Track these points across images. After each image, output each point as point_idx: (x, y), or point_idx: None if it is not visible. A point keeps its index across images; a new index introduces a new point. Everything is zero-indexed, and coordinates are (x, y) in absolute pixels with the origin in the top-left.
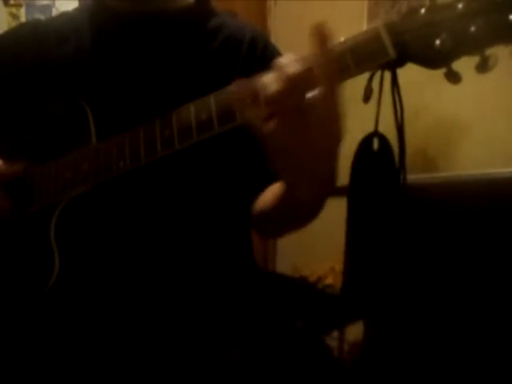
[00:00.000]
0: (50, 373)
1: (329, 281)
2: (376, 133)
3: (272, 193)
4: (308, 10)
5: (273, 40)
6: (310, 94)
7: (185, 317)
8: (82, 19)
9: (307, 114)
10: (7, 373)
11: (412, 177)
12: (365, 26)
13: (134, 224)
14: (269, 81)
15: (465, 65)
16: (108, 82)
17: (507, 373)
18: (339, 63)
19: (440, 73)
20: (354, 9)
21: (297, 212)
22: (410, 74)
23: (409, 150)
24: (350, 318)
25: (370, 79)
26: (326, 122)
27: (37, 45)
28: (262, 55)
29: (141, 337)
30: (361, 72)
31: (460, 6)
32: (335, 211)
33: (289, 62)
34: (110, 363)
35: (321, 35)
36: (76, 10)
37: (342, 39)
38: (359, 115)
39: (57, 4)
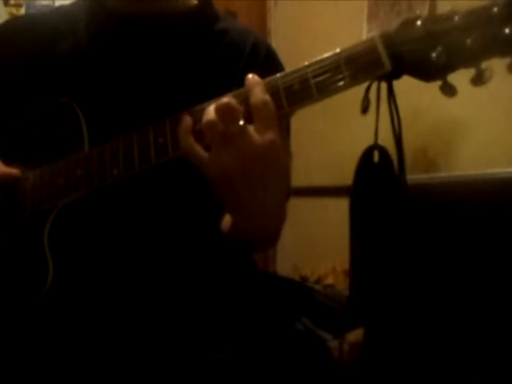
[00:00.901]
0: (46, 378)
1: (329, 281)
2: (376, 145)
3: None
4: (308, 10)
5: (273, 40)
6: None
7: (182, 317)
8: (79, 16)
9: (237, 146)
10: (4, 378)
11: (412, 177)
12: (365, 26)
13: (128, 229)
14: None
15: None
16: (104, 84)
17: (507, 375)
18: (333, 76)
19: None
20: (353, 9)
21: (246, 239)
22: None
23: (409, 151)
24: (356, 324)
25: (367, 90)
26: (262, 158)
27: (31, 42)
28: (264, 61)
29: (136, 337)
30: (356, 84)
31: (456, 18)
32: (335, 211)
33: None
34: (106, 366)
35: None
36: (72, 5)
37: (338, 50)
38: (359, 114)
39: (57, 4)
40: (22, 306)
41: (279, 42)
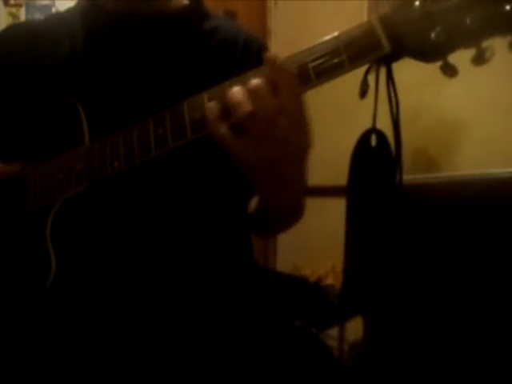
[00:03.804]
0: (49, 374)
1: (329, 281)
2: (374, 129)
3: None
4: (308, 10)
5: (273, 40)
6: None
7: (183, 316)
8: (75, 20)
9: (277, 132)
10: (6, 374)
11: (412, 177)
12: None
13: (130, 223)
14: (240, 99)
15: (465, 65)
16: (102, 82)
17: (508, 371)
18: (332, 60)
19: (440, 73)
20: (354, 9)
21: (274, 217)
22: (410, 74)
23: (409, 150)
24: (349, 314)
25: (366, 74)
26: (295, 136)
27: (31, 47)
28: (257, 58)
29: (139, 336)
30: (355, 67)
31: None
32: (335, 211)
33: (260, 84)
34: (108, 363)
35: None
36: (68, 10)
37: (336, 34)
38: (359, 112)
39: (57, 4)
40: (26, 301)
41: (279, 42)
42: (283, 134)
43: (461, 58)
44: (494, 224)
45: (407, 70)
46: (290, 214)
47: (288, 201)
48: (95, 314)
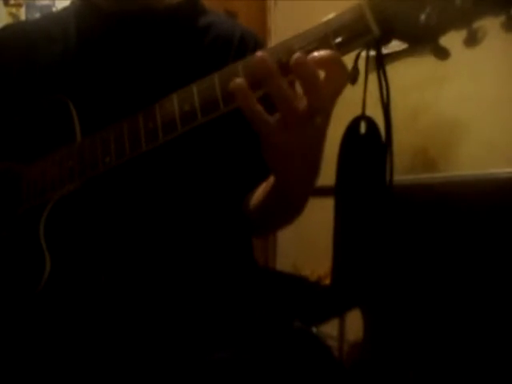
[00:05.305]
0: (44, 372)
1: (329, 281)
2: (363, 116)
3: (263, 189)
4: (308, 10)
5: (273, 40)
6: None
7: (182, 316)
8: (69, 19)
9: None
10: (2, 373)
11: (412, 177)
12: None
13: (126, 221)
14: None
15: (464, 65)
16: (95, 81)
17: (508, 369)
18: (320, 46)
19: (440, 73)
20: None
21: (285, 207)
22: (409, 74)
23: (409, 150)
24: (342, 308)
25: (356, 59)
26: (325, 115)
27: (25, 46)
28: (253, 52)
29: (136, 336)
30: (345, 52)
31: None
32: None
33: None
34: (105, 363)
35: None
36: (62, 10)
37: (325, 19)
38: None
39: (57, 4)
40: (19, 301)
41: None
42: (317, 127)
43: (461, 58)
44: (493, 223)
45: (407, 71)
46: (297, 205)
47: (303, 186)
48: (90, 314)
